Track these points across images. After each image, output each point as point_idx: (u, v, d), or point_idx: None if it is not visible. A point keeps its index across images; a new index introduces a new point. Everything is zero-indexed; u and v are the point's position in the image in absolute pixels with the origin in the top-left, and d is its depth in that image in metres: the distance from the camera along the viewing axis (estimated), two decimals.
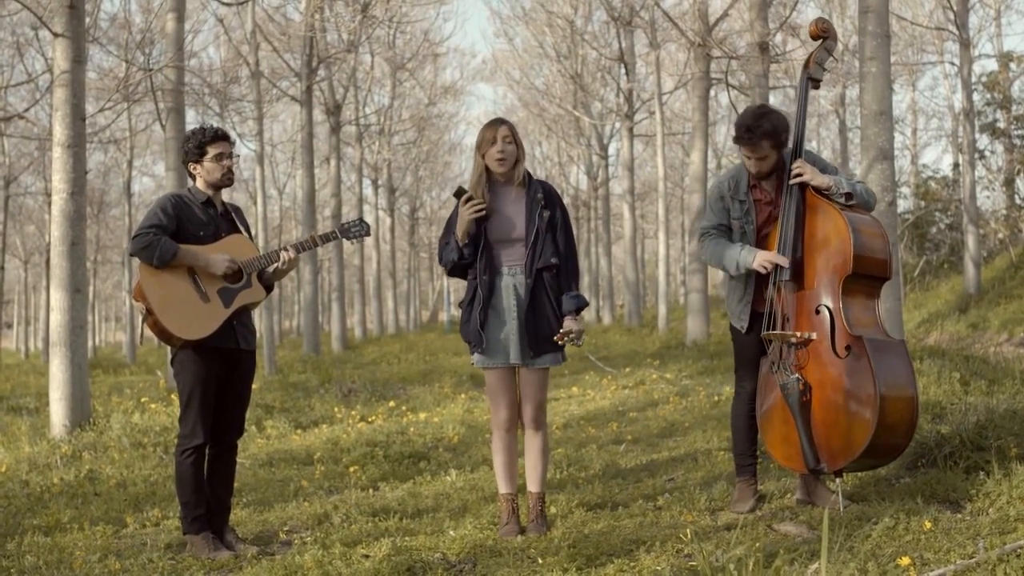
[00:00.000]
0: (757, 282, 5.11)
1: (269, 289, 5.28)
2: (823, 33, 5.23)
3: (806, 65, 5.22)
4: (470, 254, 5.03)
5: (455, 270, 5.13)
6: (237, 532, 5.25)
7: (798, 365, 4.90)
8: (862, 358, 4.71)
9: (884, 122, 7.73)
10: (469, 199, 4.96)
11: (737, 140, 5.07)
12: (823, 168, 5.08)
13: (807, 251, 4.97)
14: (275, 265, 5.17)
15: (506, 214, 5.04)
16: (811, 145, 32.04)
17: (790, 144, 5.11)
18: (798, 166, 4.99)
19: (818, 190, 4.98)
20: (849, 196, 4.95)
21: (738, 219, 5.14)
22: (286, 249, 5.17)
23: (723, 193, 5.19)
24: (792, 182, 5.00)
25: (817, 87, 5.29)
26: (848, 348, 4.77)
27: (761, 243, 5.14)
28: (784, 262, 4.94)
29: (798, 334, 4.88)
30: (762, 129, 4.97)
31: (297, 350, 22.83)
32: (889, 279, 5.06)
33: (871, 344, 4.74)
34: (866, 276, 4.90)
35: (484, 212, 4.96)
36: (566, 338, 4.93)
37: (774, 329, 5.00)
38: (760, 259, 4.97)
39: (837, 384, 4.80)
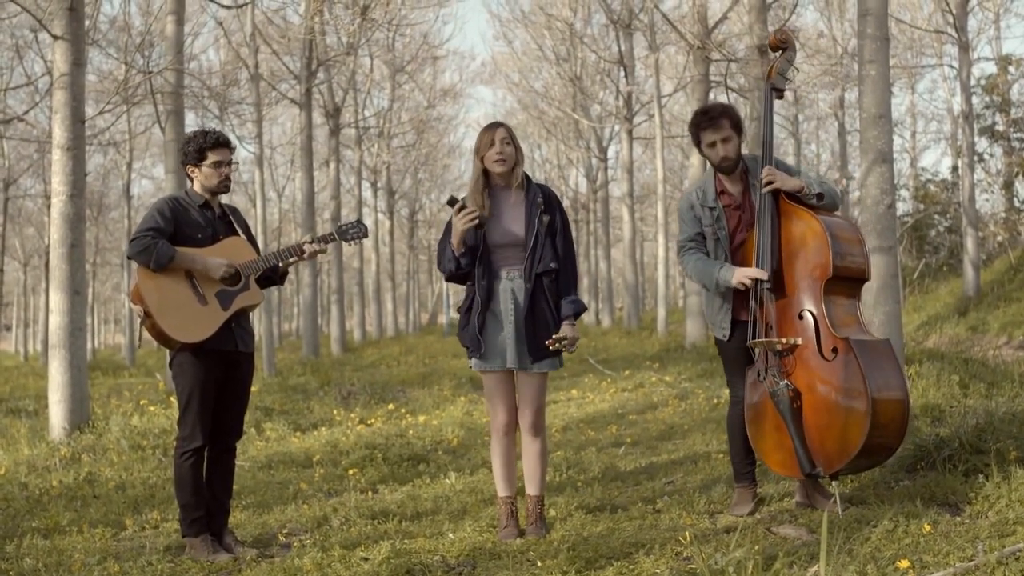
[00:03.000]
0: (736, 291, 5.12)
1: (282, 278, 5.33)
2: (782, 44, 5.31)
3: (768, 75, 5.28)
4: (467, 263, 5.02)
5: (453, 278, 5.13)
6: (236, 534, 5.25)
7: (786, 372, 4.91)
8: (850, 359, 4.73)
9: (883, 125, 7.74)
10: (462, 208, 4.96)
11: (699, 128, 5.14)
12: (788, 171, 5.12)
13: (785, 258, 4.99)
14: (295, 259, 5.21)
15: (505, 218, 5.04)
16: (810, 148, 32.10)
17: (759, 151, 5.18)
18: (767, 173, 5.01)
19: (790, 195, 5.00)
20: (820, 197, 4.98)
21: (710, 226, 5.17)
22: (311, 242, 5.20)
23: (692, 203, 5.23)
24: (764, 190, 5.02)
25: (781, 96, 5.35)
26: (835, 350, 4.79)
27: (736, 250, 5.15)
28: (763, 276, 4.95)
29: (783, 340, 4.89)
30: (717, 109, 5.12)
31: (296, 352, 22.83)
32: (868, 280, 5.09)
33: (858, 345, 4.75)
34: (846, 279, 4.92)
35: (477, 221, 4.95)
36: (559, 344, 4.91)
37: (758, 337, 5.00)
38: (739, 276, 4.99)
39: (827, 387, 4.81)
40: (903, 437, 4.90)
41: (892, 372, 4.83)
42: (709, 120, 5.11)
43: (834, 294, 4.90)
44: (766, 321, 4.98)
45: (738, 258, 5.13)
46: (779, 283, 4.98)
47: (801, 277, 4.92)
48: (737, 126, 5.15)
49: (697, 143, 5.22)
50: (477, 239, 5.00)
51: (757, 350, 5.02)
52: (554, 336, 4.91)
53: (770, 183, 5.00)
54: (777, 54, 5.32)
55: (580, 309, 5.03)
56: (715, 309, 5.23)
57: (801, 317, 4.90)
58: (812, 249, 4.89)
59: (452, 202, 5.00)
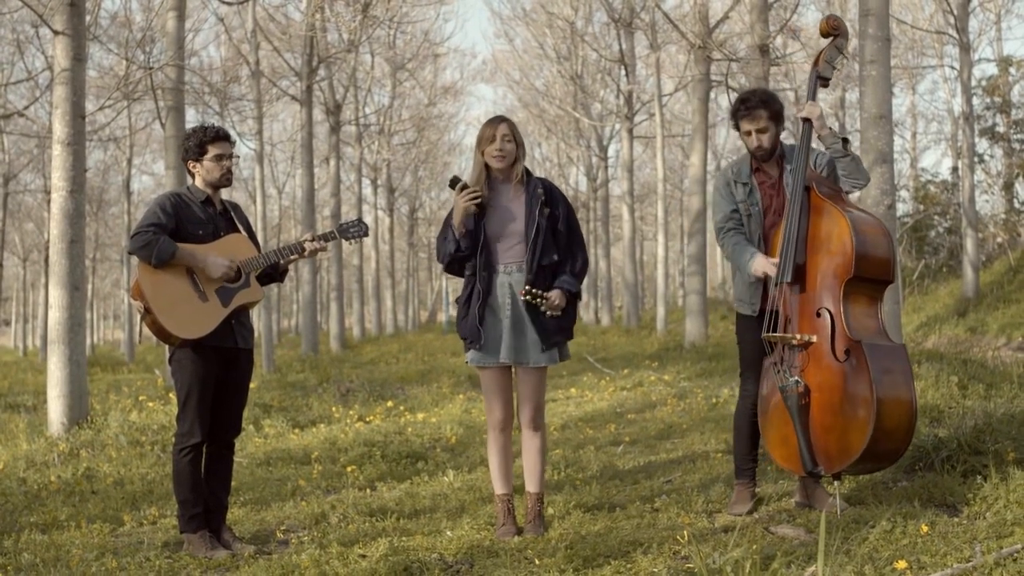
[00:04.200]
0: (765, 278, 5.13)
1: (283, 275, 5.33)
2: (834, 31, 5.20)
3: (816, 63, 5.21)
4: (467, 246, 5.03)
5: (452, 264, 5.11)
6: (234, 531, 5.25)
7: (799, 368, 4.90)
8: (860, 362, 4.71)
9: (884, 125, 7.74)
10: (464, 187, 4.98)
11: (735, 115, 5.18)
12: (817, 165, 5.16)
13: (810, 253, 4.97)
14: (294, 257, 5.21)
15: (504, 212, 5.05)
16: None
17: (796, 141, 5.17)
18: (808, 104, 5.07)
19: (822, 189, 5.00)
20: (846, 142, 5.02)
21: (743, 202, 5.19)
22: (312, 240, 5.22)
23: (728, 180, 5.26)
24: (800, 115, 5.09)
25: (826, 85, 5.26)
26: (847, 352, 4.77)
27: (771, 228, 5.17)
28: (771, 271, 4.95)
29: (799, 336, 4.88)
30: (757, 97, 5.13)
31: (295, 349, 22.83)
32: (892, 282, 5.06)
33: (870, 349, 4.73)
34: (868, 280, 4.90)
35: (480, 199, 4.97)
36: (532, 294, 4.87)
37: (775, 331, 5.00)
38: (754, 267, 5.02)
39: (835, 388, 4.79)
40: (909, 443, 4.89)
41: (902, 379, 4.80)
42: (746, 109, 5.13)
43: (855, 294, 4.88)
44: (785, 314, 4.97)
45: (772, 237, 5.15)
46: (802, 278, 4.97)
47: (823, 274, 4.91)
48: (776, 116, 5.14)
49: (736, 127, 5.24)
50: (478, 228, 5.00)
51: (775, 343, 5.01)
52: (532, 289, 4.88)
53: (808, 114, 5.04)
54: (827, 41, 5.25)
55: (575, 289, 5.02)
56: (745, 284, 5.22)
57: (819, 315, 4.88)
58: (837, 247, 4.87)
59: (454, 182, 5.04)
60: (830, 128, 5.08)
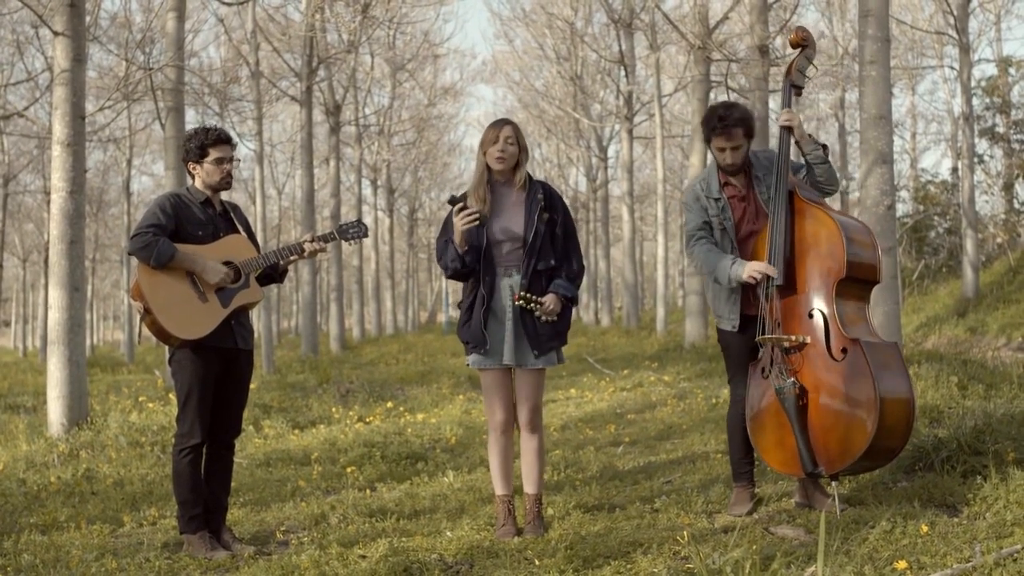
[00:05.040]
0: (745, 284, 5.12)
1: (282, 276, 5.33)
2: (802, 42, 5.34)
3: (788, 72, 5.32)
4: (471, 261, 5.03)
5: (456, 275, 5.13)
6: (234, 532, 5.25)
7: (792, 370, 4.91)
8: (860, 361, 4.72)
9: (884, 126, 7.74)
10: (462, 208, 4.97)
11: (712, 131, 5.13)
12: (795, 170, 5.18)
13: (798, 255, 5.00)
14: (294, 258, 5.21)
15: (505, 216, 5.05)
16: None
17: (775, 147, 5.21)
18: (787, 115, 5.09)
19: (804, 193, 5.03)
20: (825, 148, 5.06)
21: (716, 217, 5.20)
22: (312, 240, 5.22)
23: (698, 195, 5.26)
24: (781, 122, 5.10)
25: (799, 94, 5.36)
26: (844, 351, 4.78)
27: (743, 240, 5.17)
28: (773, 272, 4.96)
29: (792, 337, 4.89)
30: (735, 116, 5.09)
31: (295, 350, 22.82)
32: (879, 283, 5.09)
33: (868, 347, 4.75)
34: (858, 280, 4.92)
35: (477, 222, 4.95)
36: (526, 298, 4.87)
37: (767, 333, 5.00)
38: (749, 270, 5.00)
39: (834, 387, 4.80)
40: (907, 441, 4.90)
41: (900, 375, 4.82)
42: (723, 128, 5.08)
43: (845, 295, 4.90)
44: (774, 318, 4.98)
45: (747, 249, 5.15)
46: (790, 280, 4.98)
47: (813, 276, 4.93)
48: (750, 133, 5.16)
49: (707, 139, 5.22)
50: (480, 238, 5.01)
51: (764, 346, 5.02)
52: (526, 294, 4.89)
53: (788, 122, 5.06)
54: (797, 51, 5.36)
55: (572, 294, 5.02)
56: (723, 300, 5.22)
57: (811, 316, 4.90)
58: (826, 248, 4.90)
59: (453, 201, 5.02)
60: (809, 135, 5.12)
